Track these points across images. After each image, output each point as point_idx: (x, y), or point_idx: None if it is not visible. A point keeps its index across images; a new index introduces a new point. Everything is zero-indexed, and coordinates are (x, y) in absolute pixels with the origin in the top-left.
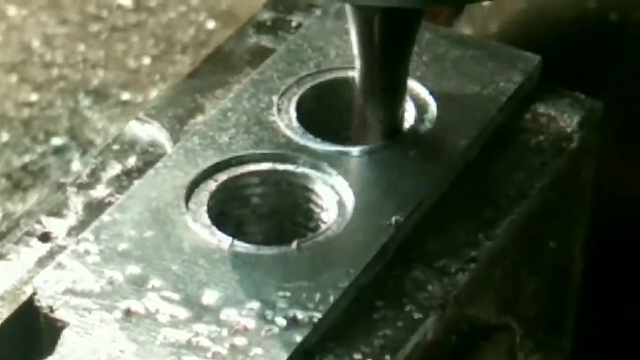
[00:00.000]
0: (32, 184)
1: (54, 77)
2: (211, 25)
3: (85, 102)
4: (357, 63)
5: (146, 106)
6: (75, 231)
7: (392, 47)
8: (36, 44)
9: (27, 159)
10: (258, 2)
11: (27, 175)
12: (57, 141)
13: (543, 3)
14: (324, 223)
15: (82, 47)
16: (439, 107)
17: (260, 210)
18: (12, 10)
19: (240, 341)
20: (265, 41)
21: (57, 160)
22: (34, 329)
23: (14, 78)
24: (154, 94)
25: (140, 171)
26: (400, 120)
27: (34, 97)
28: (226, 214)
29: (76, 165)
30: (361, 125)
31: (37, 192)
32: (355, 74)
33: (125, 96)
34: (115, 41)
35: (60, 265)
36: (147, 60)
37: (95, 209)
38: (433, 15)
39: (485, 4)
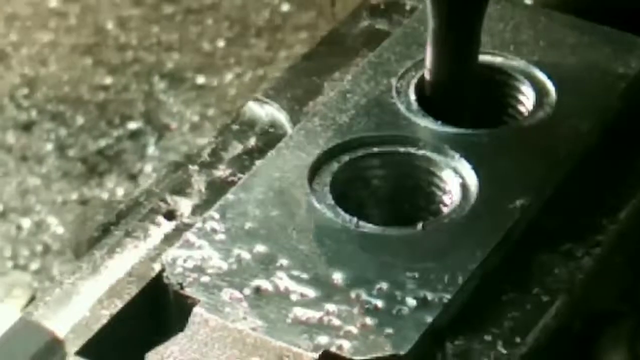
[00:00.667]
0: (108, 168)
1: (128, 60)
2: (285, 7)
3: (160, 85)
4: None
5: (221, 90)
6: (199, 209)
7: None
8: (110, 25)
9: (102, 143)
10: None
11: (103, 159)
12: (132, 125)
13: None
14: (446, 206)
15: (156, 29)
16: (558, 92)
17: (381, 192)
18: None
19: (371, 321)
20: (380, 24)
21: (133, 145)
22: (162, 306)
23: (88, 60)
24: (228, 77)
25: (260, 151)
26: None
27: (108, 80)
28: (347, 195)
29: (151, 150)
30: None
31: (112, 177)
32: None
33: (200, 80)
34: (189, 23)
35: (187, 243)
36: (221, 43)
37: (217, 188)
38: None
39: None
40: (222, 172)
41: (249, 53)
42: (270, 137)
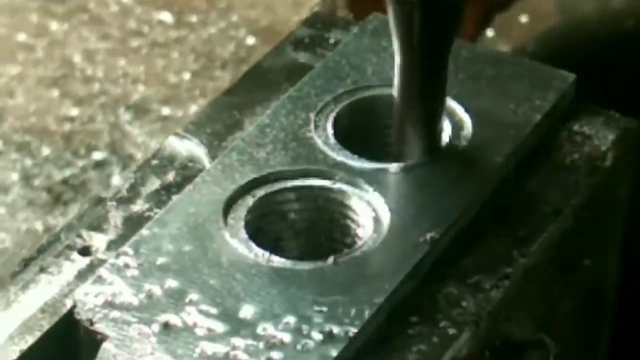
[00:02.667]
0: (73, 197)
1: (94, 92)
2: (251, 41)
3: (125, 116)
4: (397, 69)
5: (186, 121)
6: (114, 245)
7: (432, 45)
8: (77, 58)
9: (67, 172)
10: (297, 18)
11: (68, 188)
12: (97, 155)
13: (578, 18)
14: (360, 239)
15: (122, 62)
16: (474, 125)
17: (297, 226)
18: (53, 25)
19: (277, 355)
20: (303, 58)
21: (98, 174)
22: (73, 341)
23: (55, 92)
24: (193, 108)
25: (178, 186)
26: (438, 135)
27: (74, 112)
28: (263, 229)
29: (116, 180)
30: (400, 141)
31: (77, 206)
32: (393, 89)
33: (165, 111)
34: (155, 56)
35: (99, 279)
36: (187, 76)
37: (134, 223)
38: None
39: (523, 20)
40: (139, 207)
41: (213, 85)
42: (189, 173)
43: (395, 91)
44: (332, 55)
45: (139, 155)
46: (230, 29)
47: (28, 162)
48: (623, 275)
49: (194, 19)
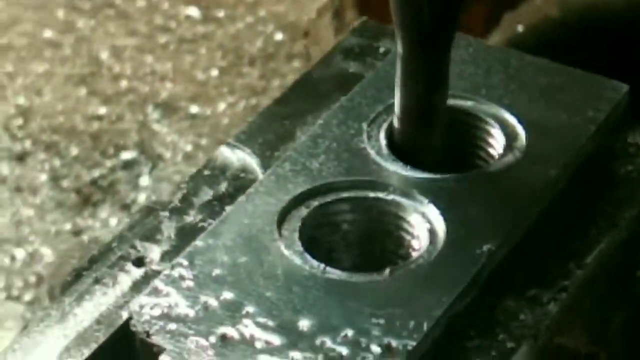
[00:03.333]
0: (102, 198)
1: (122, 90)
2: (279, 36)
3: (153, 115)
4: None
5: (214, 120)
6: (168, 256)
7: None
8: (104, 55)
9: (96, 173)
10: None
11: (97, 189)
12: (126, 155)
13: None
14: (415, 250)
15: (150, 59)
16: (527, 136)
17: (351, 237)
18: (80, 22)
19: None
20: (353, 67)
21: (126, 175)
22: (130, 354)
23: (82, 90)
24: (222, 106)
25: (231, 196)
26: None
27: (102, 110)
28: (317, 240)
29: (144, 180)
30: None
31: (106, 207)
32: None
33: (194, 109)
34: (183, 53)
35: (155, 290)
36: (214, 72)
37: (187, 234)
38: (465, 29)
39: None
40: (192, 218)
41: (242, 82)
42: (241, 183)
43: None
44: (383, 65)
45: (168, 155)
46: (258, 24)
47: (57, 162)
48: None
49: (221, 14)
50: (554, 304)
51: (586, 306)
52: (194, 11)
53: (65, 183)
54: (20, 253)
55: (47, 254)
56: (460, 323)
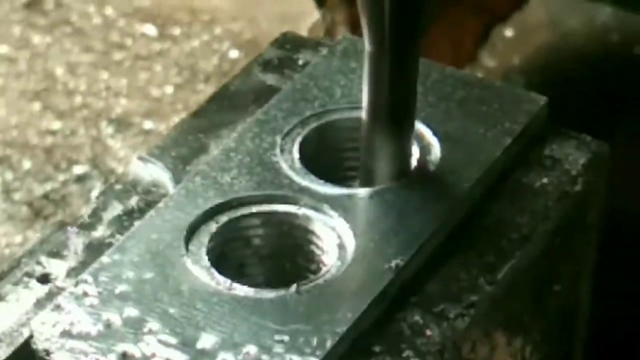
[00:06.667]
0: (53, 212)
1: (76, 105)
2: (234, 54)
3: (107, 130)
4: (365, 88)
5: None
6: (74, 272)
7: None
8: (59, 71)
9: (48, 187)
10: (280, 30)
11: (49, 203)
12: (78, 169)
13: (565, 35)
14: (325, 265)
15: (105, 75)
16: (442, 148)
17: (261, 252)
18: (36, 38)
19: None
20: (271, 80)
21: (79, 189)
22: None
23: (37, 106)
24: (176, 122)
25: (141, 211)
26: (407, 159)
27: (56, 125)
28: (227, 254)
29: (97, 194)
30: (367, 165)
31: (57, 221)
32: (362, 112)
33: (148, 125)
34: (138, 69)
35: (57, 307)
36: (169, 89)
37: (95, 249)
38: (456, 44)
39: (508, 34)
40: (101, 233)
41: (196, 98)
42: (153, 198)
43: (363, 111)
44: (299, 77)
45: (121, 170)
46: (214, 41)
47: (9, 175)
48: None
49: (176, 31)
50: (461, 320)
51: (499, 321)
52: (149, 29)
53: (17, 196)
54: None
55: None
56: (366, 339)
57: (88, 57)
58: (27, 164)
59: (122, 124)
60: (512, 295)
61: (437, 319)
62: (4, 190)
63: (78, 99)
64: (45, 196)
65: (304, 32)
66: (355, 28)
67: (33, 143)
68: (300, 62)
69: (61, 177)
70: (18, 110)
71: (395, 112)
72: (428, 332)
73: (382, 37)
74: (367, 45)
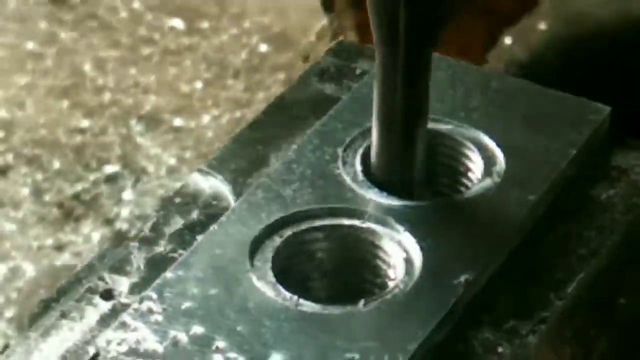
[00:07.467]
0: (84, 213)
1: (105, 102)
2: (263, 48)
3: (137, 127)
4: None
5: (198, 132)
6: (137, 288)
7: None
8: (87, 67)
9: (78, 187)
10: (310, 24)
11: (79, 204)
12: (109, 169)
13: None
14: (391, 280)
15: (133, 71)
16: (506, 160)
17: (326, 266)
18: (62, 33)
19: None
20: (329, 89)
21: (109, 189)
22: None
23: (65, 103)
24: (206, 119)
25: (203, 225)
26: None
27: (85, 123)
28: (291, 269)
29: (128, 194)
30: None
31: (88, 222)
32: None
33: (178, 122)
34: (167, 65)
35: (123, 325)
36: (199, 85)
37: (157, 264)
38: (465, 49)
39: (541, 27)
40: (162, 248)
41: (226, 94)
42: (213, 211)
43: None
44: (358, 87)
45: (152, 168)
46: (243, 35)
47: (39, 176)
48: None
49: (205, 25)
50: (533, 336)
51: (567, 336)
52: (178, 22)
53: (47, 197)
54: (1, 268)
55: (29, 269)
56: (437, 356)
57: (116, 52)
58: (56, 164)
59: (151, 121)
60: (580, 309)
61: (509, 336)
62: (34, 191)
63: (107, 96)
64: (76, 197)
65: None
66: (363, 33)
67: (62, 142)
68: (358, 71)
69: (91, 177)
70: (46, 108)
71: (407, 114)
72: (500, 350)
73: (394, 33)
74: (377, 49)
